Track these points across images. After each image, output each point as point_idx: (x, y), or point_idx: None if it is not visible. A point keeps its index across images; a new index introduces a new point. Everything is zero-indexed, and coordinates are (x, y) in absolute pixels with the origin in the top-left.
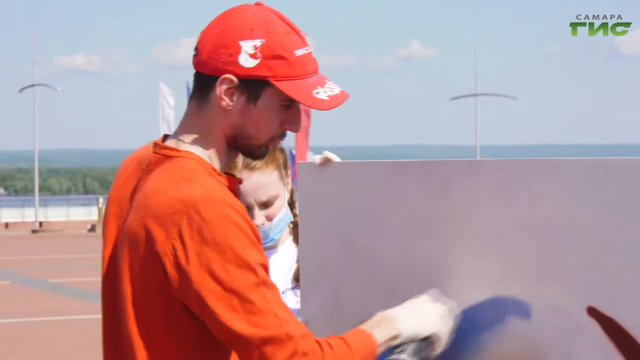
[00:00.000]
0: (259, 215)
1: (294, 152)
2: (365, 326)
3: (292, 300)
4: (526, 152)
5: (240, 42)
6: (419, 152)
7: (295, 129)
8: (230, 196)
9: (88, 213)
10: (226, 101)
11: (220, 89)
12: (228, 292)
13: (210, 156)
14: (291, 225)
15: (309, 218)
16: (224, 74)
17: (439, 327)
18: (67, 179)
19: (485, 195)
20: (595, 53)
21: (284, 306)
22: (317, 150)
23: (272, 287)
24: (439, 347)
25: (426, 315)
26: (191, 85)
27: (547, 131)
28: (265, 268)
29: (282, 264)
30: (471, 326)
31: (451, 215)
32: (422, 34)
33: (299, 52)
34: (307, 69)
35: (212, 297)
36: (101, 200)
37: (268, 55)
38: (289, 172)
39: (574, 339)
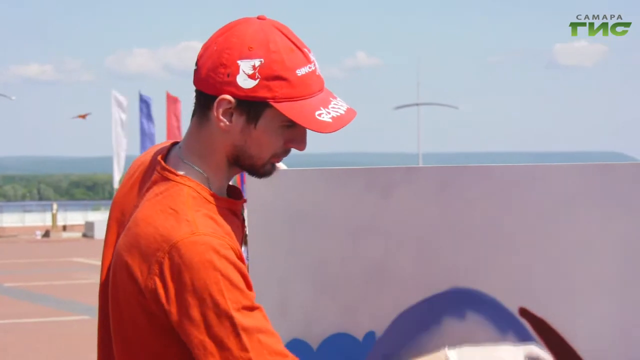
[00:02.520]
0: None
1: None
2: None
3: None
4: (467, 160)
5: (239, 62)
6: (365, 159)
7: (301, 147)
8: (216, 234)
9: (42, 219)
10: (224, 122)
11: (218, 110)
12: (206, 338)
13: (209, 177)
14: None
15: (256, 225)
16: (222, 94)
17: None
18: (22, 186)
19: (423, 200)
20: (533, 63)
21: (267, 349)
22: None
23: (255, 330)
24: None
25: None
26: (144, 94)
27: (487, 139)
28: (249, 308)
29: None
30: (410, 327)
31: (391, 220)
32: (367, 45)
33: (301, 72)
34: (309, 89)
35: (192, 339)
36: (55, 206)
37: (267, 75)
38: None
39: (506, 339)
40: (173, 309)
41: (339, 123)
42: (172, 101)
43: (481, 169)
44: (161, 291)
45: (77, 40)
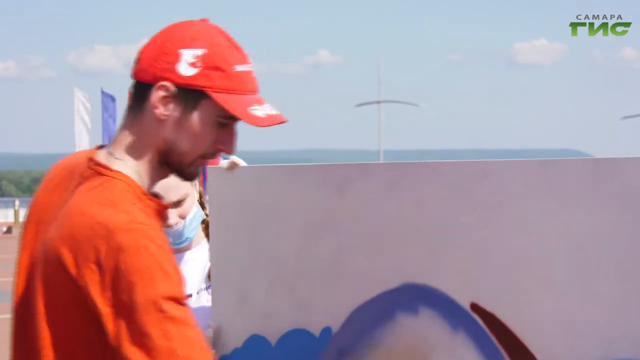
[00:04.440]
0: (173, 215)
1: None
2: None
3: (206, 299)
4: (427, 156)
5: (181, 50)
6: (326, 156)
7: (229, 150)
8: (153, 227)
9: (4, 215)
10: (160, 110)
11: (156, 95)
12: (130, 323)
13: (140, 173)
14: (203, 225)
15: (218, 220)
16: (161, 81)
17: None
18: None
19: (376, 196)
20: (492, 62)
21: (190, 343)
22: (227, 155)
23: (181, 322)
24: None
25: None
26: (107, 91)
27: (447, 136)
28: (178, 300)
29: (197, 264)
30: (365, 323)
31: (345, 215)
32: (329, 43)
33: (239, 68)
34: (245, 86)
35: (117, 324)
36: (17, 202)
37: (208, 65)
38: None
39: (458, 334)
40: (102, 294)
41: (271, 120)
42: None
43: (432, 165)
44: (96, 277)
45: (39, 36)
